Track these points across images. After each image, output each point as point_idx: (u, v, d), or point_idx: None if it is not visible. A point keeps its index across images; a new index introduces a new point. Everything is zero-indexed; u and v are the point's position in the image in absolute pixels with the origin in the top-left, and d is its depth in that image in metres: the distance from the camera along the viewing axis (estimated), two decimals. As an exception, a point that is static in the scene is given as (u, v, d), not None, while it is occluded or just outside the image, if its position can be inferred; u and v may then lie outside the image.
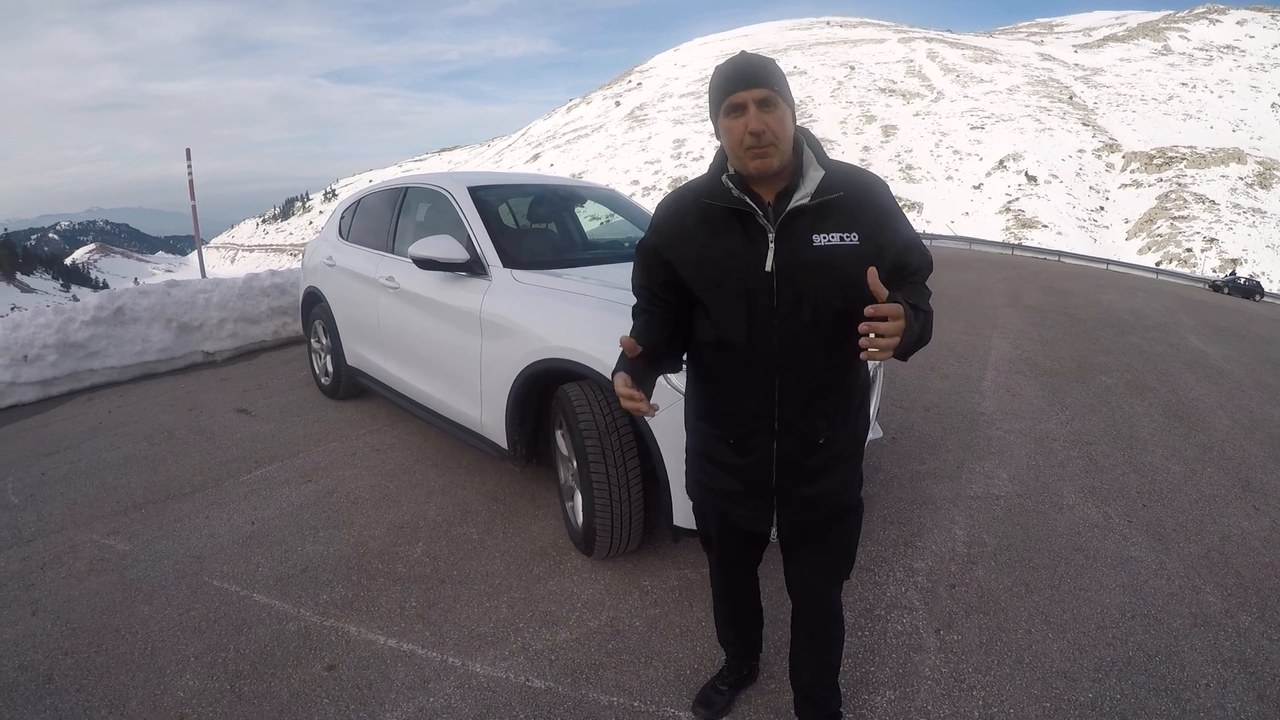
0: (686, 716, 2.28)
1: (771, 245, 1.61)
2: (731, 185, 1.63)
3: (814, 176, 1.61)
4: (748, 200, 1.62)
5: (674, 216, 1.74)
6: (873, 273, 1.40)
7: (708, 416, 1.82)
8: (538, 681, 2.44)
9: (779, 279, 1.61)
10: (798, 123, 1.66)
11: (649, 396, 1.67)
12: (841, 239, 1.58)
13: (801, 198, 1.59)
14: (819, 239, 1.59)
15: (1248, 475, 4.37)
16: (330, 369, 5.41)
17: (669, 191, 1.84)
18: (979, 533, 3.46)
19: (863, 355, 1.43)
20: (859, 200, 1.61)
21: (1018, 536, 3.45)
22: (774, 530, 1.82)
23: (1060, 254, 42.27)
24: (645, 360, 1.70)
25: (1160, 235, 74.89)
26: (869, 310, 1.40)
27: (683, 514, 2.60)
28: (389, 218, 4.66)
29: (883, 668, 2.51)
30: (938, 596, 2.94)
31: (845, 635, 2.10)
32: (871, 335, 1.41)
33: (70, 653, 2.64)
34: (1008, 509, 3.73)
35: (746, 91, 1.54)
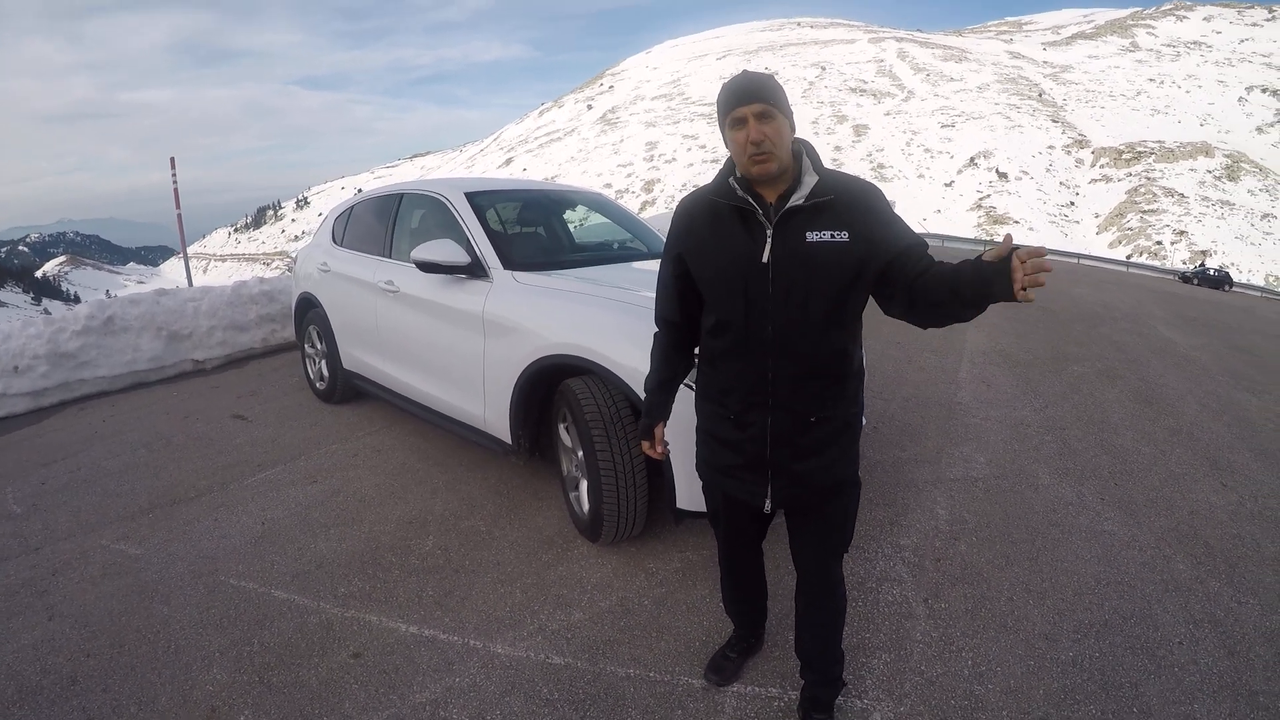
0: (700, 683, 2.43)
1: (769, 240, 1.80)
2: (737, 186, 1.83)
3: (809, 182, 1.80)
4: (750, 200, 1.81)
5: (687, 215, 1.95)
6: (1007, 240, 1.53)
7: (712, 396, 2.01)
8: (557, 658, 2.57)
9: (774, 270, 1.80)
10: (794, 129, 1.84)
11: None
12: (833, 236, 1.76)
13: (797, 199, 1.78)
14: (812, 235, 1.77)
15: (1215, 455, 4.54)
16: (325, 373, 5.48)
17: (685, 195, 2.03)
18: (960, 512, 3.63)
19: (1026, 293, 1.45)
20: (850, 203, 1.79)
21: (997, 514, 3.61)
22: (768, 503, 1.98)
23: (1032, 249, 42.75)
24: (666, 394, 2.14)
25: (1130, 229, 76.11)
26: (1025, 254, 1.45)
27: (685, 497, 2.76)
28: (385, 224, 4.76)
29: (877, 634, 2.67)
30: (924, 570, 3.10)
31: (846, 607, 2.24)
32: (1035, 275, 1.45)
33: (92, 654, 2.69)
34: (986, 490, 3.89)
35: (746, 106, 1.75)
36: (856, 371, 1.97)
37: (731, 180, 1.85)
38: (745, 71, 1.83)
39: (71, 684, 2.55)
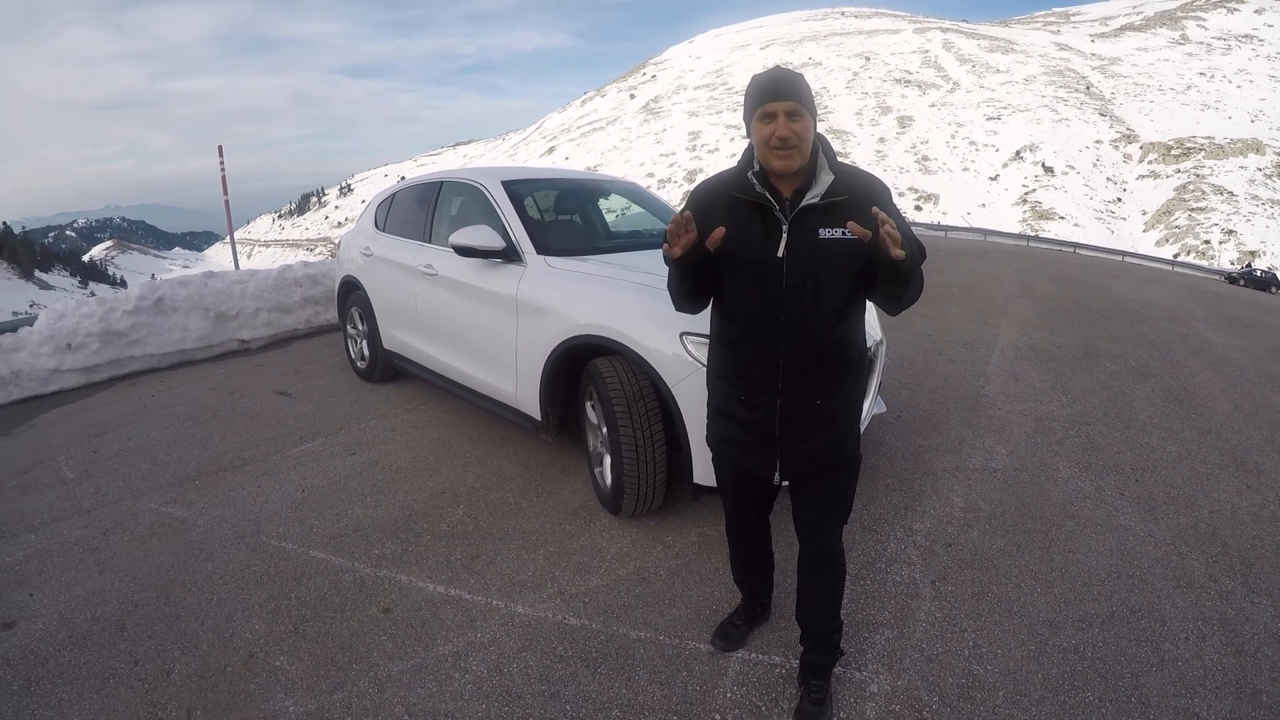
0: (706, 648, 2.55)
1: (784, 235, 1.90)
2: (755, 181, 1.92)
3: (825, 180, 1.90)
4: (768, 195, 1.91)
5: (705, 205, 2.02)
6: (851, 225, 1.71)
7: (725, 376, 2.12)
8: (574, 620, 2.72)
9: (788, 264, 1.90)
10: (817, 127, 1.93)
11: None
12: (843, 233, 1.85)
13: (812, 197, 1.88)
14: (824, 233, 1.87)
15: (1243, 456, 4.48)
16: (366, 353, 5.68)
17: (700, 182, 2.12)
18: (976, 500, 3.68)
19: (882, 237, 1.67)
20: (861, 202, 1.87)
21: (1012, 504, 3.65)
22: (777, 475, 2.10)
23: (1075, 245, 41.96)
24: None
25: (1178, 227, 74.23)
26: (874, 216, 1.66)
27: (702, 472, 2.89)
28: (425, 210, 4.93)
29: (882, 612, 2.76)
30: (934, 554, 3.17)
31: (846, 579, 2.34)
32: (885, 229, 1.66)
33: (140, 605, 2.88)
34: (1004, 480, 3.93)
35: (778, 103, 1.84)
36: (859, 357, 2.08)
37: (750, 175, 1.94)
38: (778, 67, 1.92)
39: (120, 630, 2.74)
